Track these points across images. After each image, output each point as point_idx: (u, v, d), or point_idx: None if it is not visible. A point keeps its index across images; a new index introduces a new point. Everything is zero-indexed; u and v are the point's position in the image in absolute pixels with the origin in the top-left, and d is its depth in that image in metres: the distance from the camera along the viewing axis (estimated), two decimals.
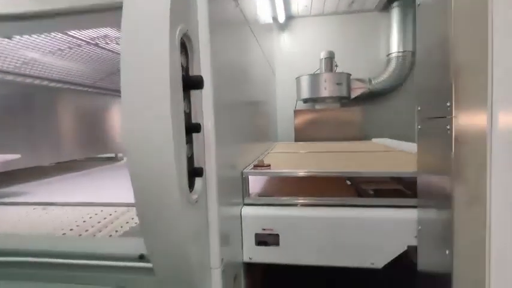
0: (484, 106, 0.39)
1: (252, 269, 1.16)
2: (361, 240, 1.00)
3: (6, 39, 1.22)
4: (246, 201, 1.10)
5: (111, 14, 0.87)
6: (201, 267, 0.72)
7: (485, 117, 0.39)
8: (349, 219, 1.01)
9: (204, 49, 0.71)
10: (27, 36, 1.20)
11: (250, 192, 1.13)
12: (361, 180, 1.33)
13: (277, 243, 1.04)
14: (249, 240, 1.05)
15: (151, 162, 0.59)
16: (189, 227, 0.64)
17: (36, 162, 1.84)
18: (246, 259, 1.05)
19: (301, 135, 3.03)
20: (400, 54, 3.18)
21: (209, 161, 0.74)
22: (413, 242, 0.96)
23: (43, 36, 1.24)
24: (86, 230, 1.02)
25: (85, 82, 2.05)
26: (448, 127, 0.42)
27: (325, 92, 2.95)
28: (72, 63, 1.66)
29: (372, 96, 3.34)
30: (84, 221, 1.11)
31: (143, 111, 0.58)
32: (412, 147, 1.80)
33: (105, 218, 1.13)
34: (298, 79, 3.16)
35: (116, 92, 2.40)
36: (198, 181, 0.71)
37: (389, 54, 3.29)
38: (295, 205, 1.08)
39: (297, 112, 3.08)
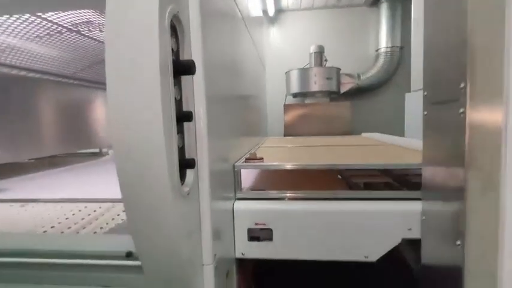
0: (501, 87, 0.36)
1: (243, 264, 1.13)
2: (355, 234, 0.98)
3: None
4: (238, 195, 1.07)
5: None
6: (192, 264, 0.68)
7: (502, 99, 0.37)
8: (344, 213, 0.99)
9: (195, 33, 0.67)
10: (1, 21, 1.12)
11: (242, 186, 1.10)
12: (351, 174, 1.32)
13: (270, 238, 1.02)
14: (241, 236, 1.02)
15: (139, 153, 0.55)
16: (180, 221, 0.60)
17: (14, 157, 1.74)
18: (238, 255, 1.02)
19: (291, 130, 3.01)
20: (389, 49, 3.20)
21: (201, 152, 0.70)
22: (408, 235, 0.95)
23: (20, 21, 1.16)
24: (69, 227, 0.96)
25: (66, 73, 1.96)
26: (462, 110, 0.40)
27: (315, 87, 2.94)
28: (52, 52, 1.57)
29: (361, 91, 3.35)
30: (66, 218, 1.05)
31: (131, 98, 0.54)
32: (402, 141, 1.80)
33: (89, 215, 1.07)
34: (288, 73, 3.13)
35: (99, 85, 2.30)
36: (189, 173, 0.67)
37: (378, 50, 3.31)
38: (288, 199, 1.05)
39: (286, 107, 3.06)
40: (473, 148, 0.38)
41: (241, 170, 1.09)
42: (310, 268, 1.45)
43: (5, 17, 1.09)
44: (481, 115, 0.38)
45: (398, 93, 3.06)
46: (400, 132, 2.38)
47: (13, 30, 1.22)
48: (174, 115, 0.59)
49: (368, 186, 1.16)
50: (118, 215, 1.06)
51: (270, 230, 1.01)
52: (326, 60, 3.12)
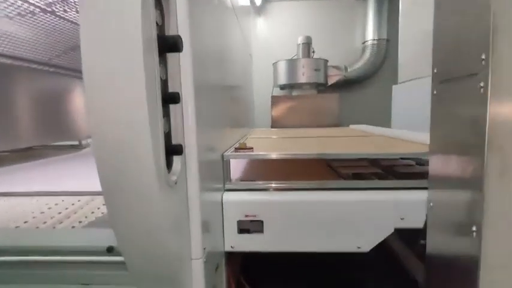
0: None
1: (232, 257, 1.09)
2: (347, 224, 0.96)
3: None
4: (227, 186, 1.02)
5: None
6: (180, 258, 0.64)
7: None
8: (336, 203, 0.97)
9: (182, 6, 0.61)
10: None
11: (231, 177, 1.05)
12: (339, 165, 1.30)
13: (260, 231, 0.98)
14: (230, 228, 0.98)
15: (121, 137, 0.49)
16: (167, 212, 0.55)
17: None
18: (227, 248, 0.98)
19: (278, 121, 2.98)
20: (375, 42, 3.21)
21: (189, 138, 0.65)
22: (401, 225, 0.94)
23: None
24: (44, 222, 0.89)
25: (40, 59, 1.83)
26: (482, 85, 0.37)
27: (302, 78, 2.90)
28: (24, 35, 1.45)
29: (348, 84, 3.36)
30: (41, 212, 0.97)
31: (111, 76, 0.48)
32: (389, 132, 1.80)
33: (66, 208, 1.00)
34: (275, 64, 3.09)
35: (78, 73, 2.17)
36: (176, 160, 0.62)
37: (364, 42, 3.31)
38: (279, 190, 1.02)
39: (274, 98, 3.02)
40: (494, 126, 0.36)
41: (231, 160, 1.04)
42: (299, 258, 1.43)
43: None
44: (504, 89, 0.35)
45: (384, 86, 3.08)
46: (387, 124, 2.39)
47: None
48: (160, 96, 0.54)
49: (357, 177, 1.14)
50: (98, 208, 0.99)
51: (261, 222, 0.98)
52: (314, 51, 3.09)
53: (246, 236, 0.98)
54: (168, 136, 0.60)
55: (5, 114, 1.70)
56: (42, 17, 1.28)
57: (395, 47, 2.46)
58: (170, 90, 0.60)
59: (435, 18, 0.48)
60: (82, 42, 0.48)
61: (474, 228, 0.38)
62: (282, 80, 3.01)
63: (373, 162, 1.35)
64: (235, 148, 1.09)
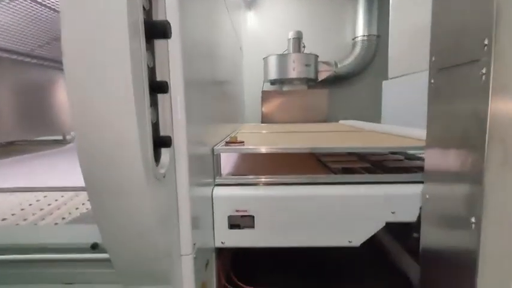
0: None
1: (222, 252, 1.07)
2: (338, 219, 0.96)
3: None
4: (218, 181, 1.00)
5: None
6: (170, 255, 0.61)
7: None
8: (327, 197, 0.96)
9: None
10: None
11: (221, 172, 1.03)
12: (328, 160, 1.29)
13: (251, 226, 0.96)
14: (221, 224, 0.96)
15: (106, 128, 0.46)
16: (155, 206, 0.52)
17: None
18: (218, 244, 0.96)
19: (269, 117, 2.96)
20: (366, 38, 3.22)
21: (178, 130, 0.62)
22: (392, 219, 0.94)
23: None
24: (25, 219, 0.85)
25: (22, 50, 1.75)
26: (484, 71, 0.36)
27: (293, 73, 2.89)
28: (4, 23, 1.38)
29: (338, 79, 3.36)
30: (22, 209, 0.93)
31: (94, 63, 0.45)
32: (379, 127, 1.81)
33: (49, 205, 0.96)
34: (265, 59, 3.06)
35: (61, 65, 2.09)
36: (164, 152, 0.59)
37: (355, 38, 3.32)
38: (270, 184, 1.00)
39: (264, 93, 3.00)
40: (495, 116, 0.35)
41: (221, 154, 1.02)
42: (289, 253, 1.43)
43: None
44: (507, 76, 0.33)
45: (374, 82, 3.10)
46: (377, 120, 2.41)
47: None
48: (147, 84, 0.51)
49: (347, 172, 1.14)
50: (83, 203, 0.95)
51: (252, 217, 0.96)
52: (304, 46, 3.08)
53: (236, 231, 0.96)
54: (155, 127, 0.57)
55: None
56: (22, 4, 1.22)
57: (385, 43, 2.46)
58: (158, 79, 0.57)
59: (434, 3, 0.47)
60: (62, 27, 0.45)
61: (473, 220, 0.37)
62: (273, 75, 2.98)
63: (363, 157, 1.35)
64: (226, 142, 1.07)
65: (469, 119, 0.38)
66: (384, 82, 2.33)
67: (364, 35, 3.21)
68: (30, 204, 0.96)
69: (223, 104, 1.38)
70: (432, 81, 0.46)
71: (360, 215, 0.96)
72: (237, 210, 0.96)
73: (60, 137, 2.48)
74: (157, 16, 0.56)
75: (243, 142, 1.07)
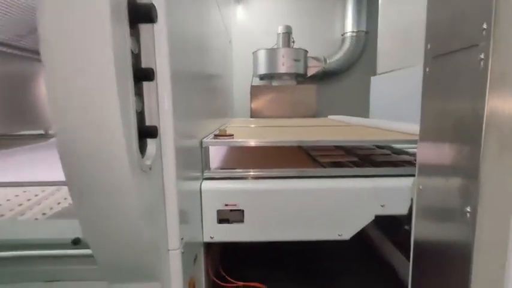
0: None
1: (211, 247, 1.06)
2: (328, 212, 0.96)
3: None
4: (206, 174, 0.98)
5: None
6: (156, 250, 0.59)
7: None
8: (317, 191, 0.95)
9: None
10: None
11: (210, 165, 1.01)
12: (317, 154, 1.29)
13: (241, 220, 0.95)
14: (209, 218, 0.94)
15: (87, 117, 0.44)
16: (141, 199, 0.50)
17: None
18: (206, 239, 0.94)
19: (258, 111, 2.94)
20: (354, 34, 3.23)
21: (164, 120, 0.60)
22: (381, 212, 0.95)
23: None
24: (1, 215, 0.81)
25: (0, 40, 1.67)
26: (482, 56, 0.35)
27: (282, 68, 2.87)
28: None
29: (327, 75, 3.37)
30: None
31: (74, 48, 0.42)
32: (368, 122, 1.82)
33: (28, 200, 0.91)
34: (255, 54, 3.03)
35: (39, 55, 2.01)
36: (151, 143, 0.57)
37: (343, 34, 3.32)
38: (260, 178, 0.99)
39: (253, 88, 2.97)
40: (493, 102, 0.34)
41: (210, 147, 0.99)
42: (278, 247, 1.42)
43: None
44: (507, 61, 0.33)
45: (363, 77, 3.12)
46: (365, 115, 2.43)
47: None
48: (131, 71, 0.48)
49: (336, 166, 1.14)
50: (65, 198, 0.91)
51: (241, 211, 0.94)
52: (294, 41, 3.07)
53: (226, 226, 0.95)
54: (141, 117, 0.55)
55: None
56: None
57: (374, 39, 2.48)
58: (143, 65, 0.54)
59: None
60: (39, 10, 0.41)
61: (468, 210, 0.37)
62: (262, 69, 2.96)
63: (351, 151, 1.35)
64: (215, 135, 1.05)
65: (466, 107, 0.37)
66: (372, 78, 2.35)
67: (353, 31, 3.22)
68: (8, 200, 0.92)
69: (212, 97, 1.35)
70: (427, 69, 0.46)
71: (349, 208, 0.96)
72: (226, 205, 0.94)
73: (42, 132, 2.39)
74: None
75: (232, 135, 1.05)
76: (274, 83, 3.07)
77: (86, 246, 0.57)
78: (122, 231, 0.52)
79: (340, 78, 3.45)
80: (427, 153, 0.47)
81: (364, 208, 0.96)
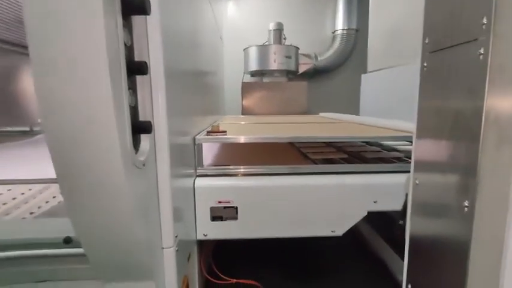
0: None
1: (204, 244, 1.05)
2: (322, 208, 0.96)
3: None
4: (199, 171, 0.97)
5: None
6: (150, 248, 0.58)
7: None
8: (311, 187, 0.96)
9: None
10: None
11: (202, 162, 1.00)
12: (308, 151, 1.29)
13: (234, 217, 0.94)
14: (203, 215, 0.93)
15: (78, 112, 0.42)
16: (134, 196, 0.49)
17: None
18: (200, 236, 0.93)
19: (249, 108, 2.93)
20: (345, 31, 3.25)
21: (158, 115, 0.58)
22: (374, 208, 0.96)
23: None
24: None
25: None
26: (482, 51, 0.35)
27: (274, 65, 2.87)
28: None
29: (317, 72, 3.38)
30: None
31: (64, 39, 0.40)
32: (360, 119, 1.84)
33: (14, 198, 0.88)
34: (246, 50, 3.01)
35: (26, 49, 1.94)
36: (144, 139, 0.55)
37: (334, 32, 3.34)
38: (254, 175, 0.98)
39: (244, 85, 2.96)
40: (493, 95, 0.34)
41: (203, 144, 0.98)
42: (271, 244, 1.43)
43: None
44: (506, 55, 0.33)
45: (353, 75, 3.15)
46: (356, 112, 2.45)
47: None
48: (124, 64, 0.47)
49: (328, 163, 1.14)
50: (54, 197, 0.89)
51: (235, 208, 0.94)
52: (285, 38, 3.06)
53: (219, 223, 0.94)
54: (134, 111, 0.53)
55: None
56: None
57: (364, 37, 2.50)
58: (136, 58, 0.53)
59: None
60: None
61: (466, 204, 0.37)
62: (253, 66, 2.95)
63: (341, 148, 1.36)
64: (208, 131, 1.04)
65: (465, 102, 0.38)
66: (362, 75, 2.37)
67: (343, 29, 3.24)
68: None
69: (204, 94, 1.33)
70: (425, 64, 0.46)
71: (342, 205, 0.96)
72: (219, 202, 0.93)
73: (27, 128, 2.32)
74: None
75: (225, 132, 1.04)
76: (265, 80, 3.06)
77: (78, 245, 0.56)
78: (114, 229, 0.51)
79: (331, 76, 3.47)
80: (424, 148, 0.48)
81: (357, 204, 0.96)
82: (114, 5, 0.44)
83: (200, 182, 0.93)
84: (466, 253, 0.37)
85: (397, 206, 0.94)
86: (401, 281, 1.14)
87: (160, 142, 0.60)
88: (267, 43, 3.03)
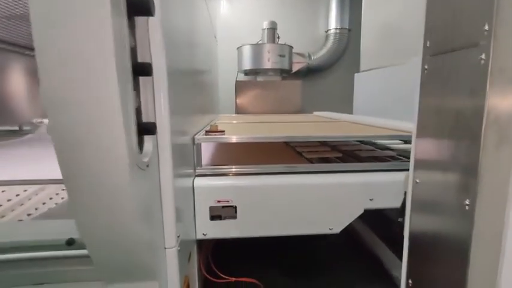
0: None
1: (203, 243, 1.05)
2: (320, 207, 0.97)
3: None
4: (198, 171, 0.97)
5: None
6: (153, 248, 0.58)
7: None
8: (308, 186, 0.97)
9: None
10: None
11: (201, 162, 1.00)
12: (303, 150, 1.31)
13: (233, 216, 0.95)
14: (202, 215, 0.93)
15: (86, 114, 0.42)
16: (139, 197, 0.49)
17: None
18: (199, 236, 0.93)
19: (243, 107, 2.93)
20: (338, 31, 3.28)
21: (160, 116, 0.58)
22: (370, 205, 0.98)
23: None
24: None
25: None
26: (483, 56, 0.37)
27: (268, 64, 2.87)
28: None
29: (311, 71, 3.40)
30: None
31: (71, 43, 0.40)
32: (354, 118, 1.86)
33: (9, 200, 0.87)
34: (240, 49, 3.01)
35: (15, 47, 1.90)
36: (147, 140, 0.55)
37: (327, 31, 3.36)
38: (252, 174, 0.99)
39: (238, 83, 2.96)
40: (493, 96, 0.36)
41: (202, 143, 0.98)
42: (269, 242, 1.44)
43: None
44: (506, 60, 0.34)
45: (346, 74, 3.18)
46: (349, 111, 2.48)
47: None
48: (130, 65, 0.47)
49: (324, 162, 1.16)
50: (51, 198, 0.88)
51: (233, 208, 0.94)
52: (279, 37, 3.07)
53: (218, 222, 0.94)
54: (138, 113, 0.53)
55: None
56: None
57: (357, 36, 2.53)
58: (140, 60, 0.53)
59: None
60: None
61: (467, 202, 0.39)
62: (247, 65, 2.95)
63: (336, 147, 1.38)
64: (206, 131, 1.04)
65: (466, 104, 0.39)
66: (355, 75, 2.40)
67: (336, 28, 3.27)
68: None
69: (201, 93, 1.33)
70: (426, 66, 0.47)
71: (339, 203, 0.98)
72: (218, 201, 0.93)
73: (15, 127, 2.27)
74: None
75: (223, 131, 1.04)
76: (259, 79, 3.07)
77: (81, 247, 0.55)
78: (119, 230, 0.51)
79: (324, 75, 3.50)
80: (424, 148, 0.49)
81: (354, 202, 0.98)
82: (120, 6, 0.44)
83: (199, 181, 0.93)
84: (466, 249, 0.39)
85: (392, 204, 0.96)
86: (396, 277, 1.17)
87: (162, 143, 0.60)
88: (260, 42, 3.03)
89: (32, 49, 0.41)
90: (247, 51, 2.93)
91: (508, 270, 0.37)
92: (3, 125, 2.15)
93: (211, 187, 0.93)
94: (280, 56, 2.88)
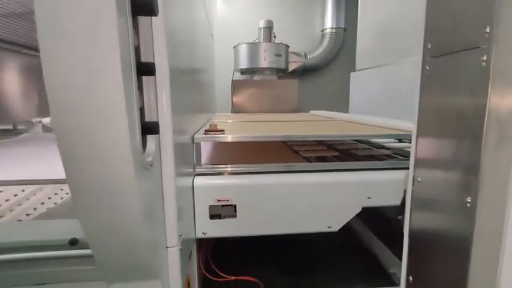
0: None
1: (203, 242, 1.05)
2: (318, 205, 0.98)
3: None
4: (198, 170, 0.97)
5: None
6: (156, 247, 0.58)
7: None
8: (307, 185, 0.98)
9: None
10: None
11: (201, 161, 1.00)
12: (301, 149, 1.32)
13: (233, 215, 0.95)
14: (202, 214, 0.93)
15: (90, 113, 0.42)
16: (142, 197, 0.49)
17: None
18: (199, 235, 0.93)
19: (239, 106, 2.93)
20: (334, 30, 3.29)
21: (163, 116, 0.59)
22: (368, 203, 0.99)
23: None
24: None
25: None
26: (484, 58, 0.38)
27: (264, 63, 2.87)
28: None
29: (306, 71, 3.42)
30: None
31: (76, 41, 0.40)
32: (350, 117, 1.88)
33: (7, 200, 0.86)
34: (236, 48, 3.01)
35: (11, 45, 1.87)
36: (150, 140, 0.56)
37: (323, 30, 3.38)
38: (252, 173, 0.99)
39: (235, 82, 2.96)
40: (494, 97, 0.37)
41: (201, 143, 0.98)
42: (268, 240, 1.44)
43: None
44: (507, 62, 0.35)
45: (342, 73, 3.20)
46: (345, 110, 2.49)
47: None
48: (134, 65, 0.47)
49: (321, 161, 1.17)
50: (49, 198, 0.87)
51: (233, 206, 0.95)
52: (275, 36, 3.07)
53: (218, 221, 0.95)
54: (141, 113, 0.53)
55: None
56: None
57: (352, 36, 2.54)
58: (143, 59, 0.53)
59: None
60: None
61: (468, 200, 0.40)
62: (244, 64, 2.95)
63: (332, 146, 1.39)
64: (206, 130, 1.04)
65: (467, 104, 0.40)
66: (351, 74, 2.41)
67: (332, 28, 3.28)
68: None
69: (200, 92, 1.33)
70: (427, 68, 0.48)
71: (338, 201, 0.99)
72: (218, 200, 0.94)
73: (9, 126, 2.24)
74: None
75: (223, 130, 1.04)
76: (256, 78, 3.07)
77: (84, 247, 0.55)
78: (122, 230, 0.51)
79: (320, 74, 3.51)
80: (425, 147, 0.50)
81: (352, 200, 0.99)
82: (125, 5, 0.44)
83: (199, 180, 0.93)
84: (467, 246, 0.40)
85: (390, 201, 0.97)
86: (394, 274, 1.19)
87: (165, 142, 0.60)
88: (257, 41, 3.04)
89: (30, 48, 0.41)
90: (243, 50, 2.93)
91: (509, 268, 0.38)
92: None
93: (211, 186, 0.94)
94: (277, 55, 2.89)
